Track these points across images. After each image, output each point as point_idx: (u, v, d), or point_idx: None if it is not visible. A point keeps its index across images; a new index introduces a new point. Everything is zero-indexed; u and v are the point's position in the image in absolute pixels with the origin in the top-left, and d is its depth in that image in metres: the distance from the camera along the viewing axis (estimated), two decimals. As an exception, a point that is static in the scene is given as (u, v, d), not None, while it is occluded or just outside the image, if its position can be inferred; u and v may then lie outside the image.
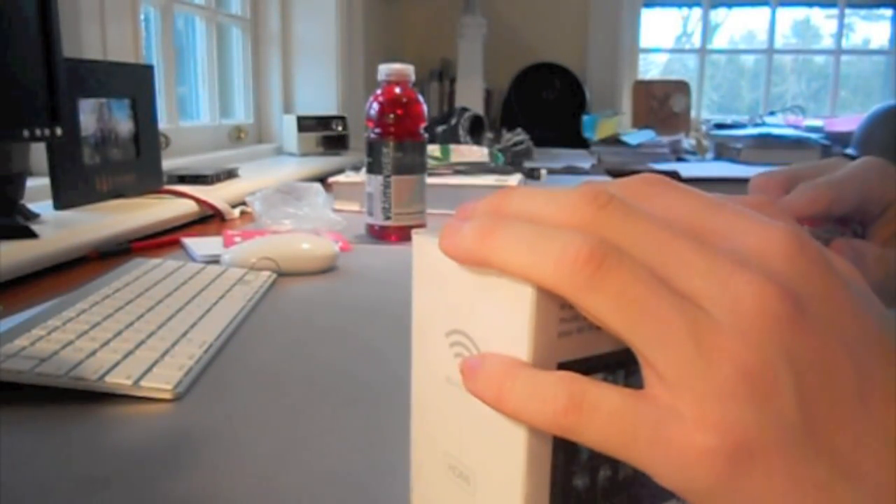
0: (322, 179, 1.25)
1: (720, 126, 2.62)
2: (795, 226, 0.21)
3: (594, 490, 0.24)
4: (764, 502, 0.19)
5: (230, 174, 1.34)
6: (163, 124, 1.34)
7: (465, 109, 1.81)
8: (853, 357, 0.19)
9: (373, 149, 0.91)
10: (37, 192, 0.93)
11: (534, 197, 0.22)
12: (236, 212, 1.13)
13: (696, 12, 3.06)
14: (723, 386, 0.19)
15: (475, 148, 1.40)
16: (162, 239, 0.90)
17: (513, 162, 1.59)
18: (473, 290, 0.24)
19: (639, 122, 2.71)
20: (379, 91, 0.92)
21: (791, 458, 0.18)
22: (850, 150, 2.41)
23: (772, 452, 0.18)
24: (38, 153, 0.97)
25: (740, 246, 0.20)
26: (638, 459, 0.20)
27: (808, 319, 0.19)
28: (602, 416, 0.20)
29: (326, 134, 1.91)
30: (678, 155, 2.44)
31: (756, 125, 2.63)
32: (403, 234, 0.92)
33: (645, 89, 2.79)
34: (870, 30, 3.06)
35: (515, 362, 0.22)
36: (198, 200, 1.07)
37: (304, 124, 1.88)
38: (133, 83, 1.08)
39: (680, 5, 3.10)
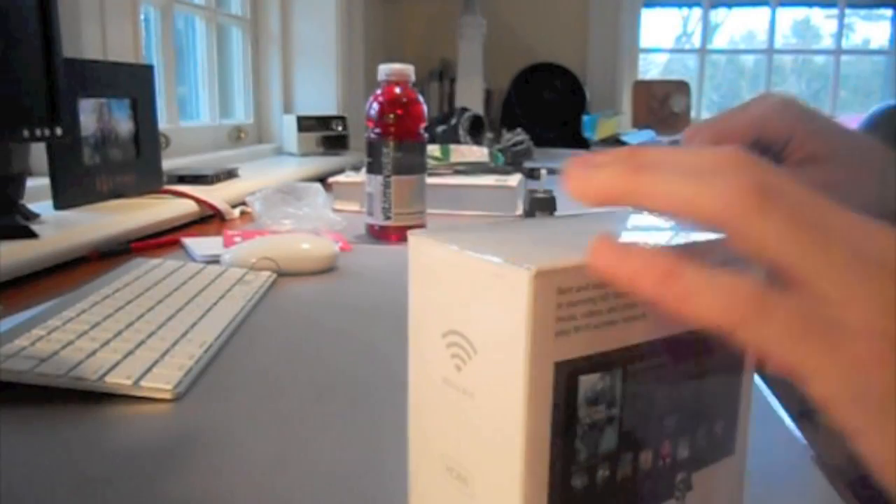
0: (322, 179, 1.25)
1: (720, 126, 2.62)
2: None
3: (593, 490, 0.24)
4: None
5: (230, 174, 1.34)
6: (163, 124, 1.34)
7: (465, 109, 1.81)
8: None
9: (373, 149, 0.91)
10: (37, 192, 0.93)
11: (669, 150, 0.23)
12: (236, 212, 1.13)
13: (696, 12, 3.06)
14: (887, 299, 0.19)
15: (475, 148, 1.40)
16: (162, 239, 0.90)
17: (513, 162, 1.59)
18: (469, 291, 0.24)
19: (639, 122, 2.71)
20: (379, 91, 0.92)
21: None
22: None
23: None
24: (38, 153, 0.97)
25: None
26: (804, 361, 0.20)
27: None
28: (782, 312, 0.20)
29: (326, 134, 1.91)
30: (678, 155, 2.44)
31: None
32: (403, 235, 0.92)
33: (645, 89, 2.79)
34: (870, 30, 3.06)
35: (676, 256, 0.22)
36: (198, 200, 1.07)
37: (304, 124, 1.88)
38: (133, 83, 1.08)
39: (680, 5, 3.10)
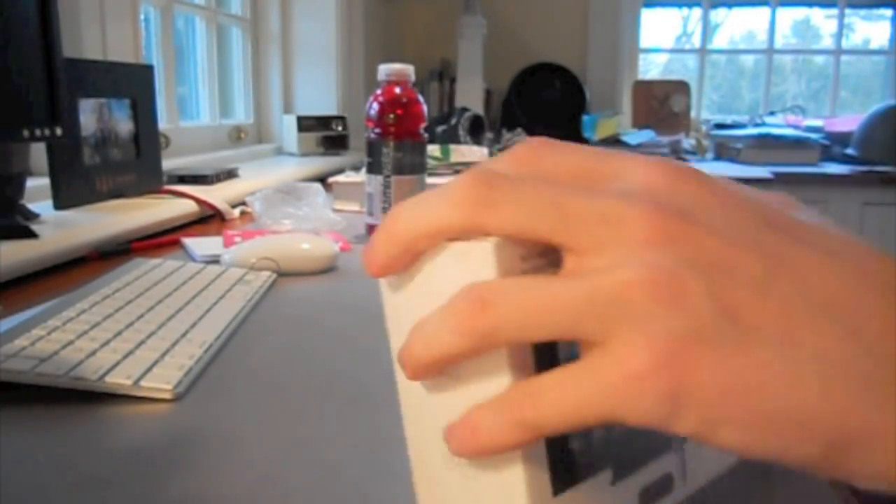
0: (322, 179, 1.25)
1: (720, 126, 2.62)
2: (672, 159, 0.22)
3: (590, 449, 0.25)
4: (716, 399, 0.18)
5: (230, 174, 1.34)
6: (163, 124, 1.34)
7: (465, 109, 1.81)
8: (755, 242, 0.19)
9: (373, 149, 0.91)
10: (37, 192, 0.93)
11: (425, 195, 0.23)
12: (236, 212, 1.13)
13: (696, 12, 3.06)
14: (638, 309, 0.19)
15: (475, 148, 1.40)
16: (162, 239, 0.90)
17: (513, 162, 1.59)
18: (441, 275, 0.24)
19: (639, 122, 2.71)
20: (379, 91, 0.92)
21: (723, 350, 0.18)
22: (850, 150, 2.41)
23: (703, 351, 0.18)
24: (38, 153, 0.97)
25: (627, 183, 0.21)
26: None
27: (700, 225, 0.19)
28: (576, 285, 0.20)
29: (326, 134, 1.91)
30: (678, 155, 2.44)
31: (756, 125, 2.63)
32: (403, 234, 0.92)
33: (645, 89, 2.79)
34: (870, 30, 3.06)
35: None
36: (198, 200, 1.07)
37: (304, 124, 1.88)
38: (133, 83, 1.08)
39: (680, 5, 3.10)
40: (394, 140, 0.90)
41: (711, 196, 0.20)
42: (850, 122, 2.53)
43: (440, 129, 1.74)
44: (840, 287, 0.19)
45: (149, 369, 0.45)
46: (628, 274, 0.19)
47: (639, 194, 0.20)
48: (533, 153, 0.23)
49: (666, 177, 0.21)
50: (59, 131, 0.79)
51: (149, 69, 1.14)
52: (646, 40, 3.02)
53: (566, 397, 0.19)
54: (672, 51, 3.17)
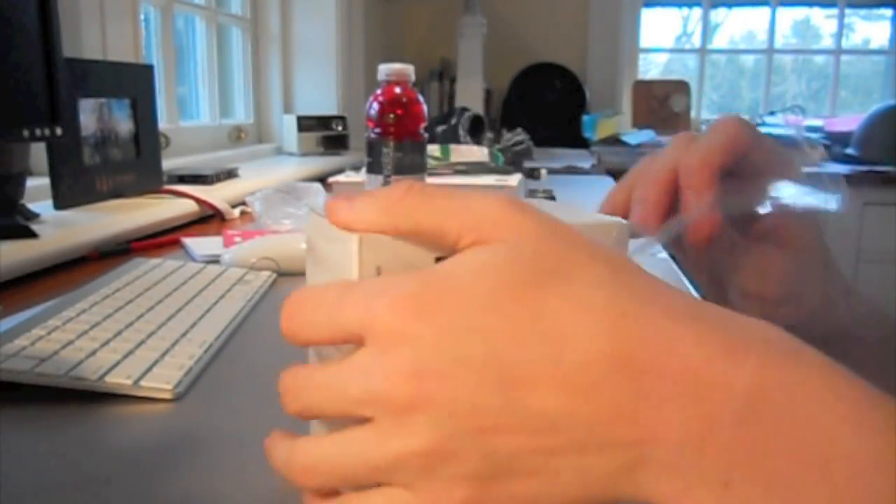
0: (322, 179, 1.25)
1: (720, 126, 2.62)
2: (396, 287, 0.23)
3: None
4: None
5: (230, 174, 1.34)
6: (163, 124, 1.34)
7: (465, 109, 1.81)
8: (479, 376, 0.22)
9: (373, 149, 0.91)
10: (37, 192, 0.93)
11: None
12: (236, 212, 1.13)
13: (696, 12, 3.06)
14: (417, 473, 0.22)
15: (475, 148, 1.40)
16: (162, 239, 0.90)
17: (513, 162, 1.59)
18: (337, 256, 0.27)
19: (639, 122, 2.71)
20: (379, 91, 0.92)
21: (502, 481, 0.22)
22: (850, 150, 2.41)
23: (492, 492, 0.22)
24: (38, 153, 0.97)
25: (371, 352, 0.23)
26: None
27: (429, 378, 0.22)
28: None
29: (326, 134, 1.91)
30: (678, 155, 2.44)
31: (756, 125, 2.63)
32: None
33: (645, 89, 2.79)
34: (870, 30, 3.06)
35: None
36: (198, 200, 1.07)
37: (304, 124, 1.88)
38: (133, 83, 1.08)
39: (680, 5, 3.10)
40: (394, 140, 0.90)
41: (431, 336, 0.22)
42: (850, 122, 2.53)
43: (440, 129, 1.74)
44: (569, 394, 0.21)
45: (149, 369, 0.45)
46: (397, 447, 0.22)
47: (376, 367, 0.22)
48: (286, 319, 0.27)
49: (393, 325, 0.23)
50: (59, 131, 0.79)
51: (149, 69, 1.13)
52: (646, 40, 3.02)
53: None
54: (672, 51, 3.17)
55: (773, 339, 0.22)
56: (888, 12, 2.97)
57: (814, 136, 2.42)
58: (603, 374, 0.21)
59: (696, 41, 3.07)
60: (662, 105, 2.75)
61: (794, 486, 0.20)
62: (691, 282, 0.73)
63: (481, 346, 0.22)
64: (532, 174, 1.52)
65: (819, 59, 3.10)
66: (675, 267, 0.76)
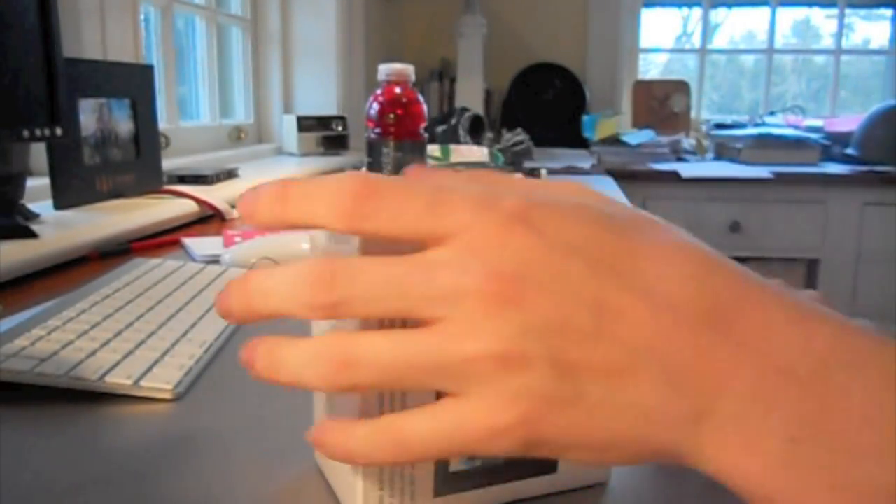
0: (322, 179, 1.24)
1: (720, 126, 2.62)
2: (501, 199, 0.23)
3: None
4: (561, 439, 0.22)
5: (230, 174, 1.34)
6: (163, 124, 1.34)
7: (465, 109, 1.81)
8: (579, 295, 0.22)
9: (373, 149, 0.91)
10: (37, 192, 0.93)
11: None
12: (236, 212, 1.13)
13: (696, 12, 3.06)
14: (487, 377, 0.21)
15: (475, 148, 1.40)
16: (162, 239, 0.90)
17: (513, 162, 1.59)
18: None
19: (639, 122, 2.71)
20: (379, 91, 0.92)
21: (562, 402, 0.22)
22: (850, 150, 2.41)
23: (546, 406, 0.22)
24: (38, 153, 0.97)
25: (461, 245, 0.22)
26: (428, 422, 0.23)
27: (530, 285, 0.21)
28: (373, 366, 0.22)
29: (326, 134, 1.91)
30: (678, 155, 2.44)
31: (756, 125, 2.63)
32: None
33: (645, 89, 2.79)
34: (870, 30, 3.06)
35: (278, 342, 0.24)
36: (198, 200, 1.07)
37: (304, 124, 1.88)
38: (133, 83, 1.08)
39: (680, 5, 3.10)
40: (394, 140, 0.90)
41: (538, 247, 0.22)
42: (850, 122, 2.53)
43: (440, 129, 1.74)
44: (652, 328, 0.22)
45: (149, 369, 0.45)
46: (474, 347, 0.21)
47: (472, 263, 0.22)
48: (360, 205, 0.23)
49: (497, 231, 0.22)
50: (59, 131, 0.79)
51: (149, 69, 1.14)
52: (646, 40, 3.02)
53: (433, 436, 0.22)
54: (672, 51, 3.17)
55: (847, 319, 0.23)
56: (888, 12, 2.97)
57: (814, 136, 2.42)
58: (687, 318, 0.22)
59: (696, 41, 3.07)
60: (662, 105, 2.75)
61: (858, 450, 0.20)
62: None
63: (584, 267, 0.22)
64: (532, 174, 1.52)
65: (819, 59, 3.10)
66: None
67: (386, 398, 0.26)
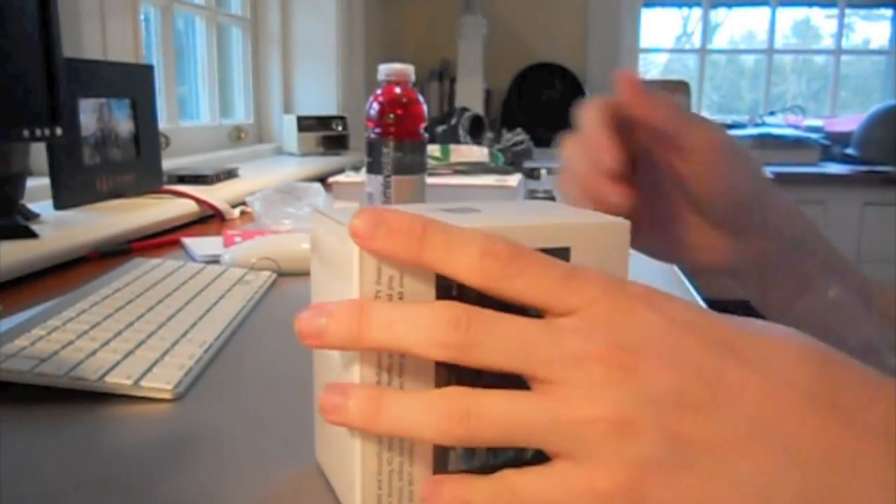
0: (322, 179, 1.25)
1: (720, 126, 2.62)
2: (626, 285, 0.24)
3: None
4: None
5: (230, 174, 1.34)
6: (163, 124, 1.34)
7: (465, 109, 1.81)
8: (696, 368, 0.22)
9: (373, 149, 0.91)
10: (37, 192, 0.93)
11: (403, 314, 0.24)
12: (236, 212, 1.13)
13: (696, 12, 3.06)
14: (597, 441, 0.22)
15: (475, 148, 1.40)
16: (162, 239, 0.90)
17: (513, 162, 1.59)
18: (338, 256, 0.27)
19: (639, 122, 2.71)
20: (379, 91, 0.92)
21: (672, 473, 0.22)
22: (850, 150, 2.41)
23: (655, 475, 0.22)
24: (38, 153, 0.97)
25: (587, 316, 0.23)
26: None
27: (648, 357, 0.22)
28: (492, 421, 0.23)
29: (326, 134, 1.91)
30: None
31: (756, 125, 2.63)
32: (403, 234, 0.92)
33: (645, 89, 2.79)
34: (870, 30, 3.06)
35: (383, 390, 0.24)
36: (198, 200, 1.07)
37: (304, 124, 1.88)
38: (133, 83, 1.08)
39: (680, 5, 3.10)
40: (394, 140, 0.90)
41: (658, 323, 0.23)
42: (850, 122, 2.53)
43: (440, 129, 1.73)
44: (773, 404, 0.22)
45: (149, 369, 0.45)
46: (591, 411, 0.22)
47: (597, 333, 0.23)
48: (506, 266, 0.24)
49: (622, 307, 0.23)
50: (59, 131, 0.79)
51: (149, 69, 1.13)
52: (646, 40, 3.02)
53: (544, 496, 0.23)
54: (672, 51, 3.17)
55: None
56: (888, 12, 2.97)
57: (814, 136, 2.42)
58: (809, 396, 0.22)
59: (696, 41, 3.07)
60: (662, 105, 2.74)
61: None
62: (696, 288, 0.73)
63: (701, 343, 0.23)
64: (532, 174, 1.52)
65: (819, 59, 3.10)
66: (677, 271, 0.76)
67: (384, 371, 0.26)
